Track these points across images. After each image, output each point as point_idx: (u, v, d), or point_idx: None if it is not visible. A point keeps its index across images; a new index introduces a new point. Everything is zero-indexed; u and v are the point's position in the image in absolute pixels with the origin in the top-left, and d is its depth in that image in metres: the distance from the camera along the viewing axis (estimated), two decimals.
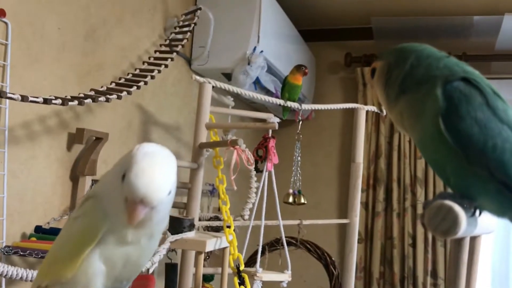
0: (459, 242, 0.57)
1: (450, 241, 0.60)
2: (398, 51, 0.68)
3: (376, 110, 2.30)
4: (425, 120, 0.60)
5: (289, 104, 1.94)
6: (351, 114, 2.77)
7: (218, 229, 1.72)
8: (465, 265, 0.56)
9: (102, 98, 1.32)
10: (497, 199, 0.59)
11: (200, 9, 1.88)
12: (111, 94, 1.37)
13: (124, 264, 0.71)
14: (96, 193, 0.73)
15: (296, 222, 1.93)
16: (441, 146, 0.59)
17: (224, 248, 1.40)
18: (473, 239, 0.66)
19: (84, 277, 0.69)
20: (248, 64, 1.94)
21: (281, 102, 1.92)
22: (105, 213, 0.69)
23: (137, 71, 1.61)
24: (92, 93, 1.38)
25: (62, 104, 1.19)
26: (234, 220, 1.43)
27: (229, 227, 1.40)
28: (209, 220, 1.84)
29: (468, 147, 0.57)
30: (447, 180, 0.62)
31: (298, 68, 1.98)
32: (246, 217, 1.78)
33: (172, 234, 1.26)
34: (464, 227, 0.53)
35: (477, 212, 0.60)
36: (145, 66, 1.66)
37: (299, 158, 2.03)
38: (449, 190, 0.62)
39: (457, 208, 0.54)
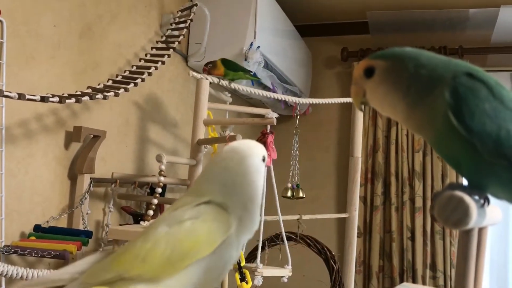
0: (467, 233, 0.57)
1: (459, 233, 0.60)
2: (398, 54, 0.66)
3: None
4: (436, 119, 0.61)
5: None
6: (348, 109, 2.77)
7: None
8: (474, 256, 0.56)
9: (99, 96, 1.31)
10: None
11: (196, 5, 1.87)
12: (108, 92, 1.36)
13: (219, 274, 0.71)
14: (211, 199, 0.71)
15: (296, 217, 1.93)
16: (455, 141, 0.60)
17: None
18: (480, 231, 0.66)
19: (180, 284, 0.66)
20: (245, 60, 1.93)
21: (275, 96, 1.90)
22: (231, 214, 0.70)
23: (134, 68, 1.60)
24: (89, 90, 1.37)
25: (59, 101, 1.18)
26: None
27: None
28: None
29: (483, 138, 0.58)
30: (461, 172, 0.62)
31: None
32: None
33: None
34: (475, 218, 0.53)
35: (486, 202, 0.61)
36: (142, 63, 1.65)
37: (297, 152, 2.02)
38: (458, 181, 0.62)
39: (468, 198, 0.54)
